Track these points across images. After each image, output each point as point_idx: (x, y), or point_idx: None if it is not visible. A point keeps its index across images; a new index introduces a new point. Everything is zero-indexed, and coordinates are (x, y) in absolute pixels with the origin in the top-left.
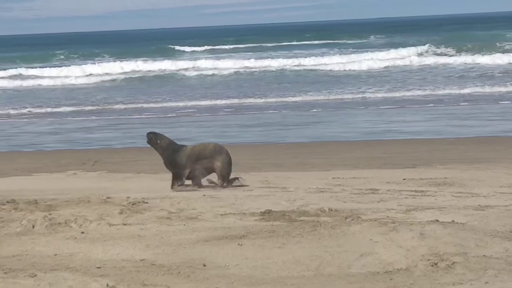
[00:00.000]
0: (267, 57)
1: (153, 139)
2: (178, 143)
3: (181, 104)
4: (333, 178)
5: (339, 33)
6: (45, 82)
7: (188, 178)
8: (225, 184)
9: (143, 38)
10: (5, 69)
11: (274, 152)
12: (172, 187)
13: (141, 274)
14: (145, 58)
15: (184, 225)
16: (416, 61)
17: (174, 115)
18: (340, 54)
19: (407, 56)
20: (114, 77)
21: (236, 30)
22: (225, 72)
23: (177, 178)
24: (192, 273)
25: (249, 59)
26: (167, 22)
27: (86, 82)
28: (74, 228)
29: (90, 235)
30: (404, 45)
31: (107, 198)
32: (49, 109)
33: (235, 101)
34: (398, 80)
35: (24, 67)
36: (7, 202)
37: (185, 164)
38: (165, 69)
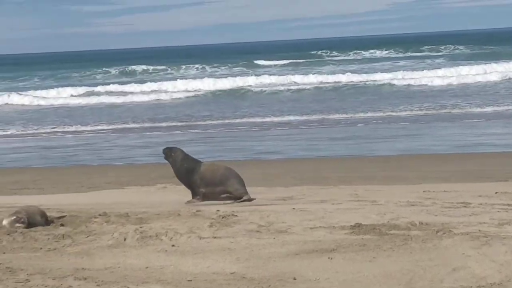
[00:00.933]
0: (350, 71)
1: (168, 153)
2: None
3: (266, 119)
4: (424, 191)
5: (427, 45)
6: (133, 98)
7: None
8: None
9: (228, 52)
10: (96, 85)
11: (363, 165)
12: (189, 202)
13: (232, 287)
14: (229, 72)
15: (274, 238)
16: (509, 74)
17: (258, 129)
18: (430, 69)
19: (500, 71)
20: (200, 92)
21: (321, 43)
22: (309, 86)
23: (195, 195)
24: (282, 287)
25: (336, 74)
26: (252, 35)
27: (175, 97)
28: (165, 241)
29: (181, 248)
30: (497, 57)
31: (197, 211)
32: (133, 125)
33: (321, 115)
34: (489, 93)
35: (116, 83)
36: (99, 215)
37: (199, 185)
38: (249, 84)
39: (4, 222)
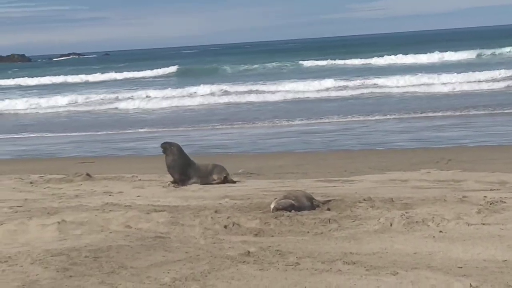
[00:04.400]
0: None
1: (167, 148)
2: None
3: None
4: None
5: None
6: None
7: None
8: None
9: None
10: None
11: None
12: (174, 186)
13: (505, 276)
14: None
15: None
16: None
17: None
18: None
19: None
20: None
21: None
22: None
23: (180, 182)
24: None
25: None
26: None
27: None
28: (432, 227)
29: (449, 234)
30: None
31: (463, 197)
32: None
33: None
34: None
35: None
36: (364, 200)
37: (192, 176)
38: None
39: (273, 206)
